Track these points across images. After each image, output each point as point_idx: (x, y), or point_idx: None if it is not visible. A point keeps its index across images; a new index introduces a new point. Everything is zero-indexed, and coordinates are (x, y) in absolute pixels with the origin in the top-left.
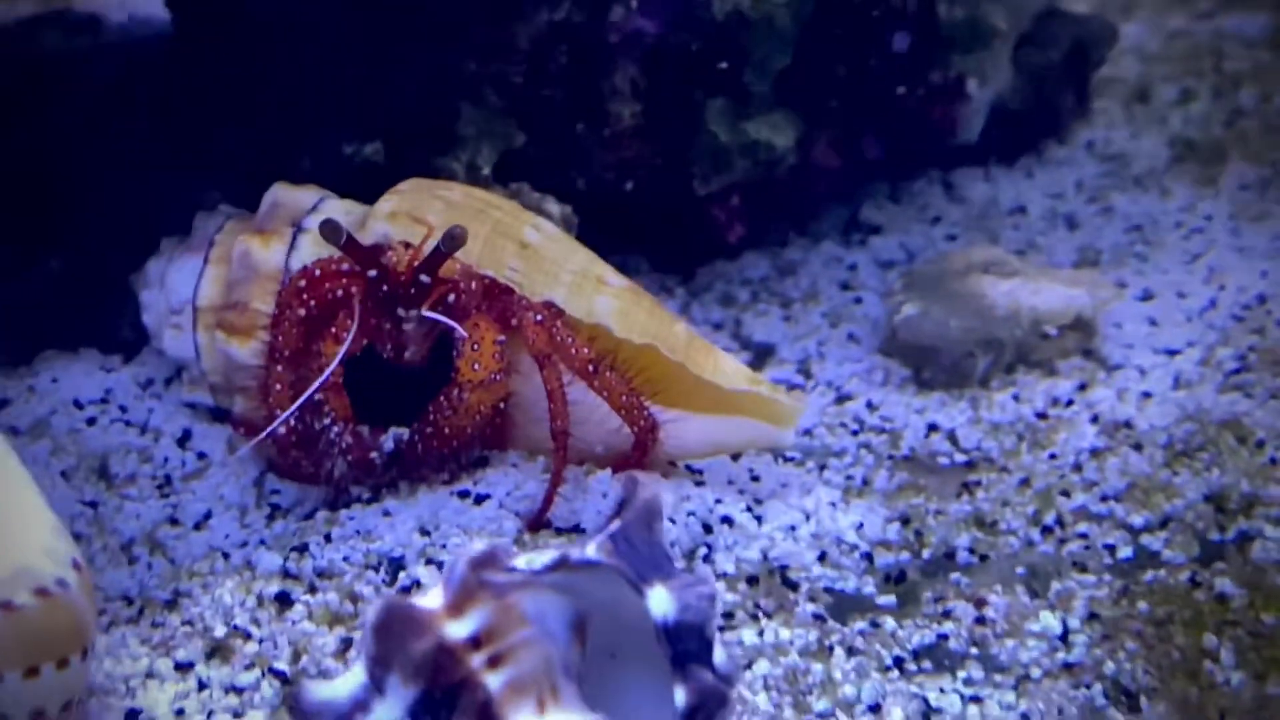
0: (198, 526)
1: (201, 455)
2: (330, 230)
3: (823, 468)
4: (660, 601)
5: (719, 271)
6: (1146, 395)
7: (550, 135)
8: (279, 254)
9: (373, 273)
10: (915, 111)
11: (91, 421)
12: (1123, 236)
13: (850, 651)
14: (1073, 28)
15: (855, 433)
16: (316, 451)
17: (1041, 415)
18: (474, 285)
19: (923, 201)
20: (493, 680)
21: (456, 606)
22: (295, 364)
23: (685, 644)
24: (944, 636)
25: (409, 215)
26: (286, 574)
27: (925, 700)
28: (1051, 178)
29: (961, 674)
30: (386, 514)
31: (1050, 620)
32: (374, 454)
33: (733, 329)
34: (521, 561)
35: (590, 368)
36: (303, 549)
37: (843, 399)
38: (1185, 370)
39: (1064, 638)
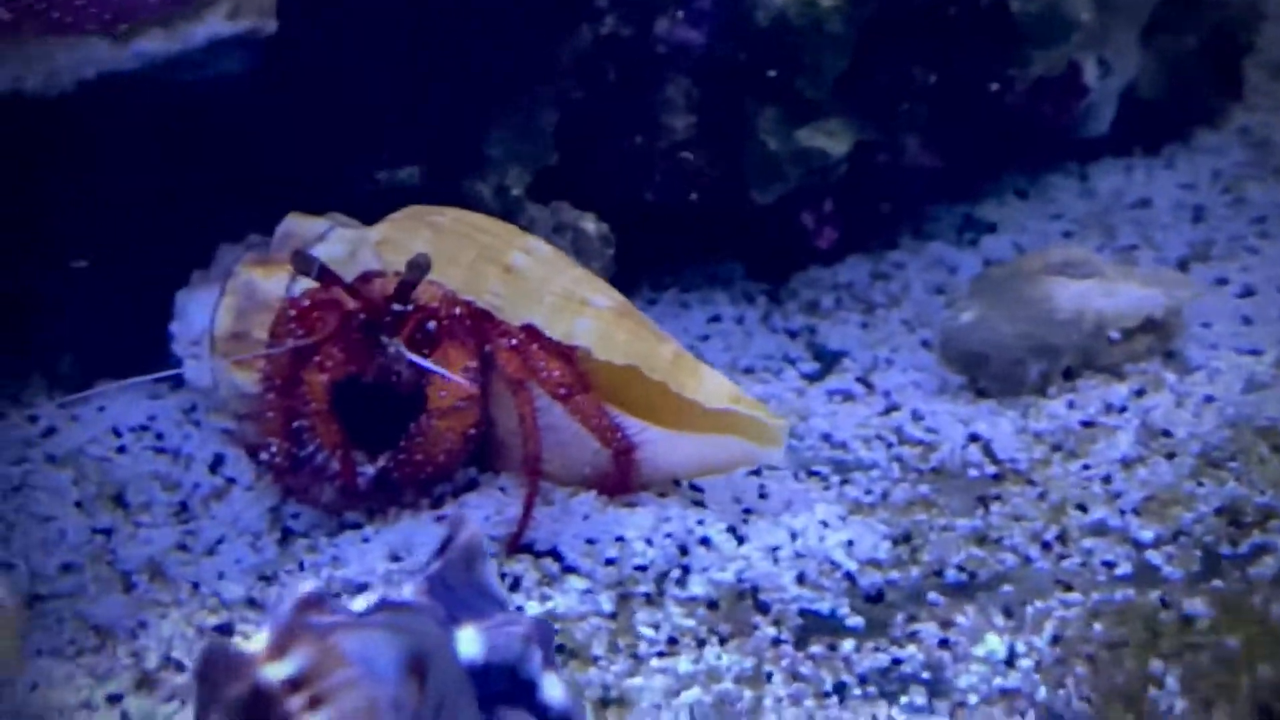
0: (209, 552)
1: (230, 480)
2: (303, 261)
3: (844, 482)
4: (468, 642)
5: (812, 278)
6: (1209, 400)
7: (605, 151)
8: (280, 284)
9: (352, 303)
10: (1022, 107)
11: (122, 450)
12: (1244, 229)
13: (793, 677)
14: (1211, 12)
15: (890, 445)
16: (303, 478)
17: (1087, 424)
18: (453, 311)
19: (1051, 196)
20: None
21: (278, 648)
22: (287, 393)
23: (494, 685)
24: (898, 661)
25: (396, 243)
26: (250, 603)
27: None
28: (1191, 167)
29: (904, 699)
30: (365, 540)
31: (996, 643)
32: (360, 479)
33: (807, 337)
34: (356, 604)
35: (563, 391)
36: (272, 577)
37: (891, 409)
38: (1259, 373)
39: (1009, 661)
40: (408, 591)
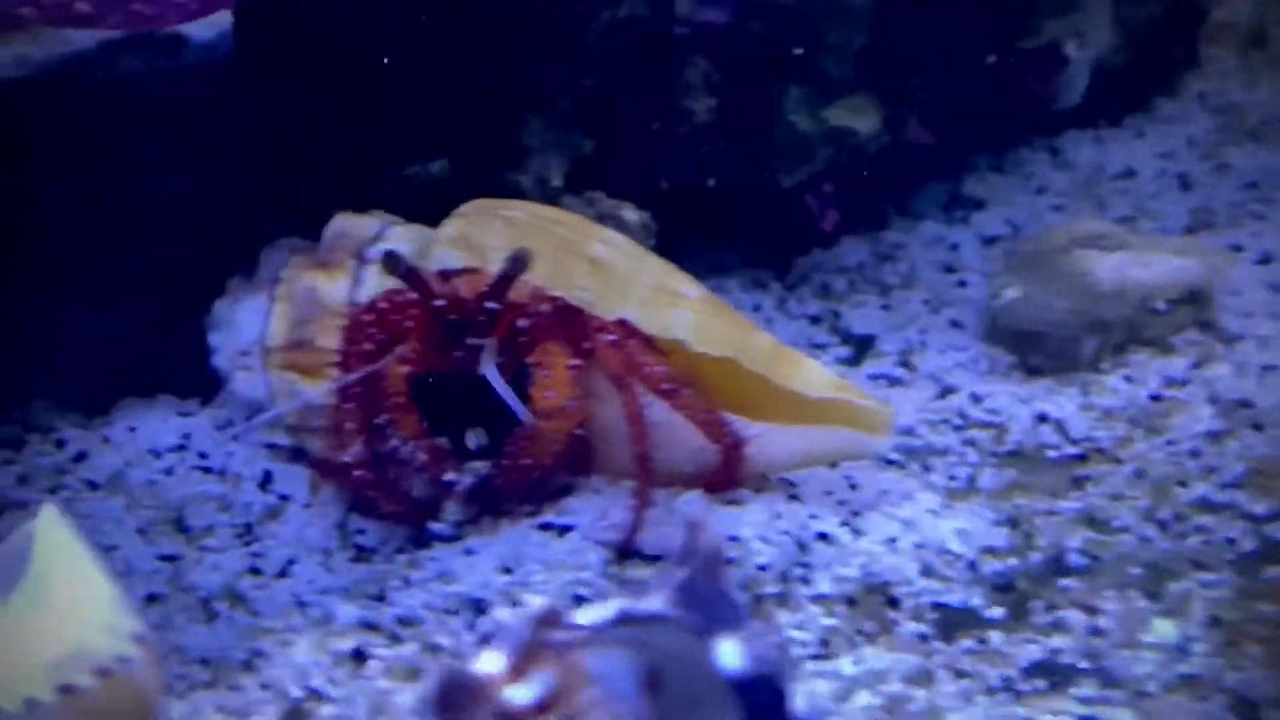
0: (281, 574)
1: (284, 497)
2: (391, 262)
3: (926, 469)
4: (729, 655)
5: (815, 262)
6: (1268, 369)
7: (626, 137)
8: (343, 288)
9: (438, 303)
10: (1011, 80)
11: (169, 471)
12: (1238, 195)
13: (956, 674)
14: None
15: (959, 428)
16: (391, 482)
17: (1155, 398)
18: (544, 308)
19: (1028, 171)
20: None
21: (518, 670)
22: (364, 400)
23: (758, 697)
24: (1056, 651)
25: (472, 240)
26: (365, 625)
27: None
28: (1162, 136)
29: (1074, 691)
30: (468, 553)
31: (1167, 628)
32: (453, 480)
33: (831, 322)
34: (585, 617)
35: (668, 387)
36: (381, 596)
37: (946, 392)
38: None
39: (1182, 647)
40: (656, 602)
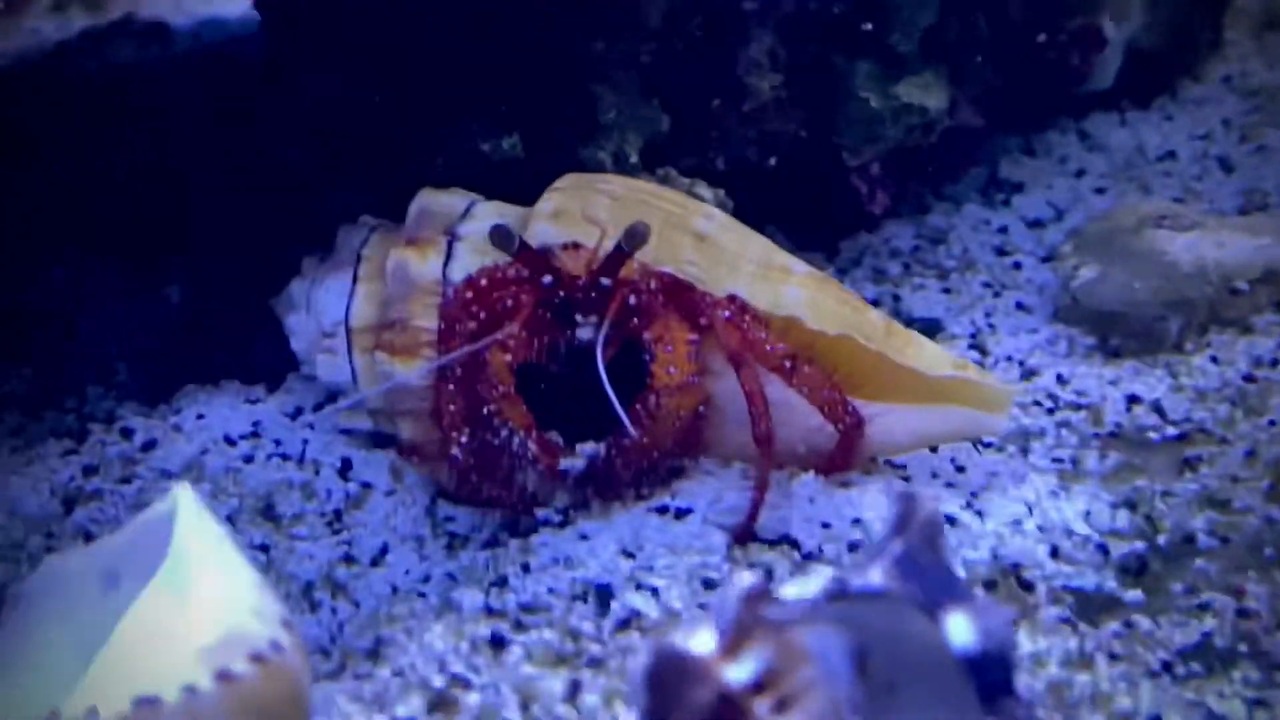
0: (374, 563)
1: (366, 485)
2: (502, 236)
3: (1025, 451)
4: (960, 629)
5: (863, 244)
6: None
7: (686, 114)
8: (436, 265)
9: (547, 279)
10: (1056, 60)
11: (249, 459)
12: None
13: (1112, 658)
14: None
15: (1051, 410)
16: (499, 471)
17: (1249, 378)
18: (654, 284)
19: (1060, 153)
20: None
21: (732, 648)
22: (467, 383)
23: (992, 674)
24: (1206, 634)
25: (575, 214)
26: (490, 611)
27: (1207, 708)
28: (1193, 118)
29: (1236, 674)
30: (584, 537)
31: None
32: (565, 466)
33: (891, 305)
34: (792, 591)
35: (787, 364)
36: (502, 582)
37: (1029, 374)
38: None
39: None
40: (875, 576)
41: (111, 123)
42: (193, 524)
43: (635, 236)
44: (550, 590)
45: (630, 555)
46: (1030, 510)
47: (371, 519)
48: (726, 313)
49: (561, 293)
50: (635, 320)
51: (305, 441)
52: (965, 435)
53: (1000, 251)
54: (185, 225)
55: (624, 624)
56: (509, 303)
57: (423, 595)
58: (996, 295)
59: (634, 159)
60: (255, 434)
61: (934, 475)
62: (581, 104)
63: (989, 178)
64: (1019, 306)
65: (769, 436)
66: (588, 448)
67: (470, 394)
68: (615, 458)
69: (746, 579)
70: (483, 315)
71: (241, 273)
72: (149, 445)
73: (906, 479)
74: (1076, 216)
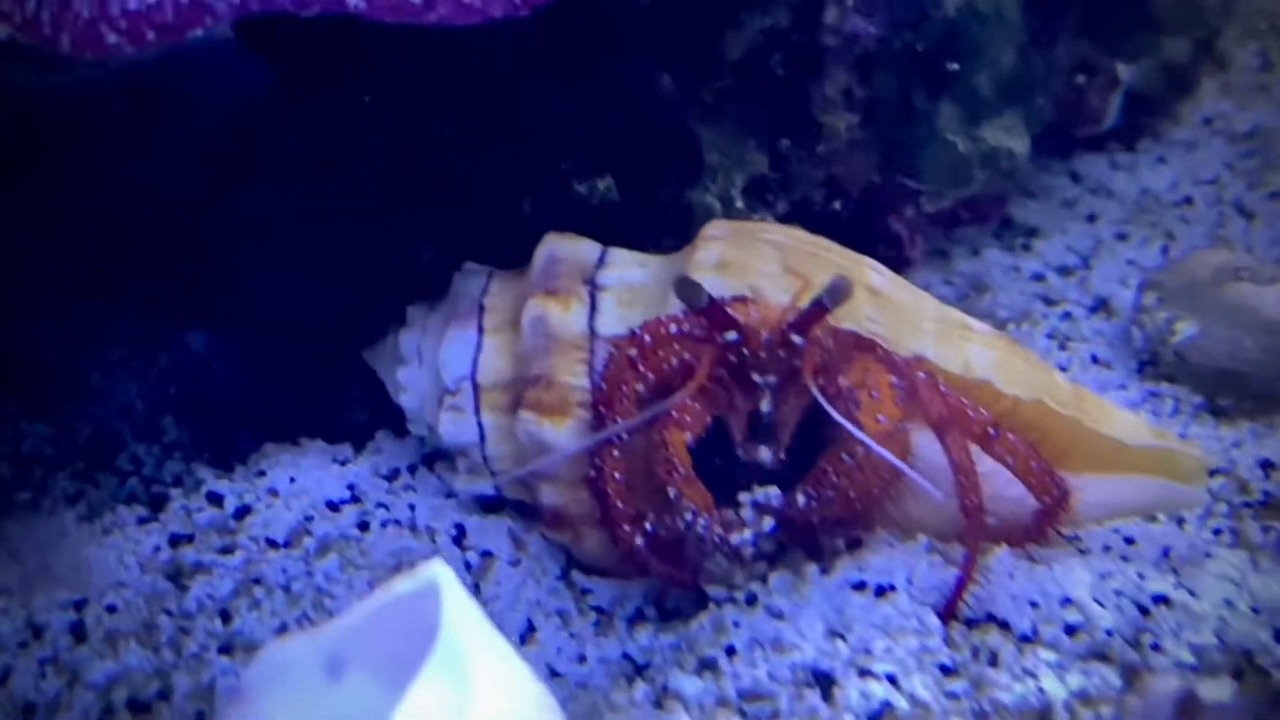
0: (523, 640)
1: (486, 553)
2: (690, 290)
3: (1180, 521)
4: None
5: None
6: None
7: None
8: (580, 317)
9: (732, 336)
10: (1073, 101)
11: (363, 525)
12: None
13: None
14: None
15: None
16: (677, 554)
17: None
18: (836, 343)
19: (1062, 196)
20: None
21: None
22: (634, 450)
23: None
24: None
25: (741, 265)
26: (719, 700)
27: None
28: (1188, 162)
29: None
30: (778, 615)
31: None
32: (746, 538)
33: None
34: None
35: (990, 432)
36: (708, 665)
37: None
38: None
39: None
40: None
41: (165, 158)
42: (460, 609)
43: (838, 292)
44: (770, 675)
45: (840, 636)
46: (1238, 587)
47: (503, 592)
48: (923, 374)
49: (745, 350)
50: (822, 379)
51: (412, 506)
52: (1160, 508)
53: (1047, 300)
54: (260, 274)
55: (876, 717)
56: (677, 361)
57: (630, 679)
58: (1063, 348)
59: (739, 203)
60: (356, 498)
61: (1106, 548)
62: (683, 144)
63: (1002, 220)
64: (1095, 360)
65: (980, 507)
66: (765, 495)
67: (637, 465)
68: (811, 513)
69: (1171, 682)
70: (651, 376)
71: (320, 322)
72: (242, 512)
73: (1083, 551)
74: (1107, 264)
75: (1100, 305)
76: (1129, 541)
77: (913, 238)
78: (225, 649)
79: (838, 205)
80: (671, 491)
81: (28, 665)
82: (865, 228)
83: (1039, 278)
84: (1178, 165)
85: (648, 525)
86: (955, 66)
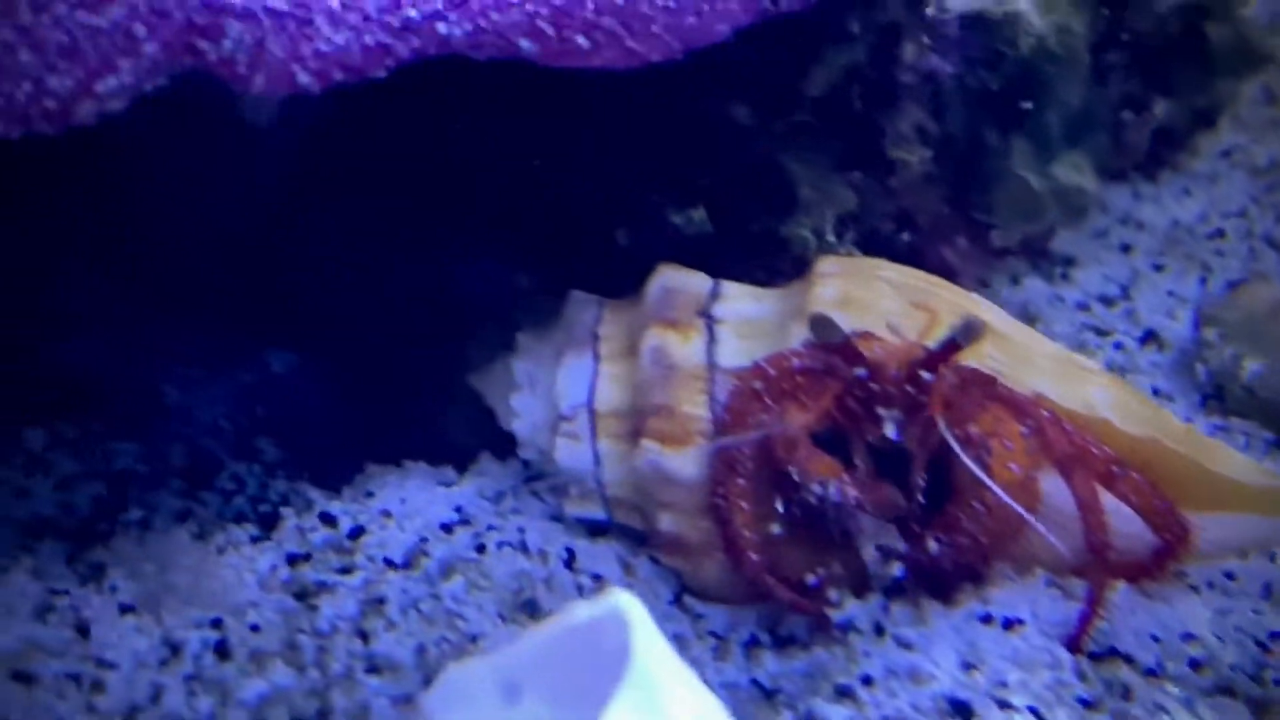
0: None
1: (597, 577)
2: (825, 325)
3: (1273, 557)
4: None
5: None
6: None
7: None
8: (700, 349)
9: (862, 372)
10: (1121, 133)
11: (479, 548)
12: None
13: None
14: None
15: None
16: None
17: None
18: (961, 380)
19: (1090, 225)
20: None
21: None
22: (760, 482)
23: None
24: None
25: (864, 302)
26: None
27: None
28: (1213, 195)
29: None
30: (907, 645)
31: None
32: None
33: None
34: None
35: (1114, 470)
36: (846, 692)
37: None
38: None
39: None
40: None
41: (254, 180)
42: (650, 638)
43: (973, 330)
44: (914, 705)
45: (973, 668)
46: None
47: None
48: (1047, 412)
49: (874, 387)
50: (949, 418)
51: (521, 529)
52: (1269, 545)
53: (1099, 331)
54: (358, 300)
55: None
56: (802, 395)
57: (770, 706)
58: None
59: (831, 239)
60: (465, 521)
61: (1210, 584)
62: (774, 178)
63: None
64: (1156, 393)
65: (1106, 545)
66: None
67: (758, 487)
68: (944, 556)
69: None
70: (773, 407)
71: (416, 346)
72: (357, 532)
73: (1193, 587)
74: (1148, 295)
75: (1150, 336)
76: (1229, 577)
77: (965, 267)
78: (372, 670)
79: (906, 237)
80: (795, 472)
81: (175, 683)
82: (919, 259)
83: (1083, 307)
84: (1202, 198)
85: (775, 528)
86: (1029, 105)
